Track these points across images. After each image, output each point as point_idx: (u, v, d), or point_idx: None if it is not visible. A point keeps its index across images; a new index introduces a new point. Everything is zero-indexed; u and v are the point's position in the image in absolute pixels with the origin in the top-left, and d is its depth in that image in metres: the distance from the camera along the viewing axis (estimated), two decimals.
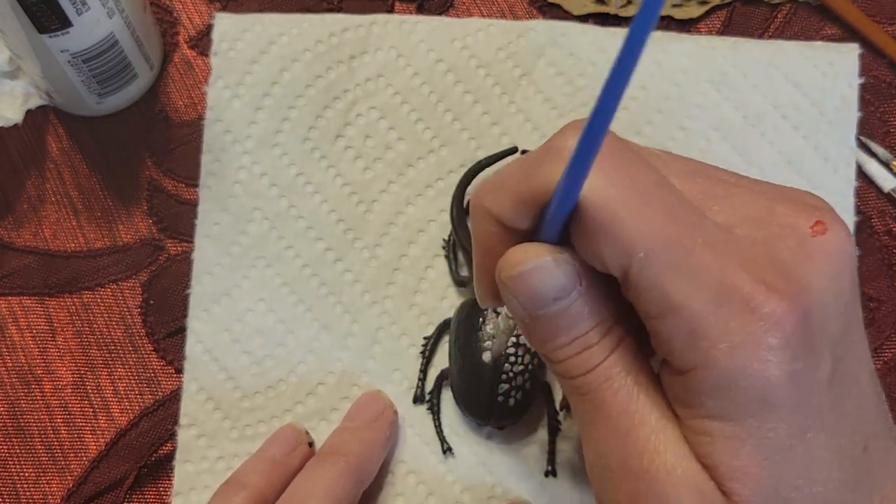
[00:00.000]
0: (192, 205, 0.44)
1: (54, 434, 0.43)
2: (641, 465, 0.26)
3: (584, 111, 0.45)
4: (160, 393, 0.43)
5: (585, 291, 0.26)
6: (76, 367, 0.43)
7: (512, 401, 0.40)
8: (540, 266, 0.26)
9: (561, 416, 0.41)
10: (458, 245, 0.43)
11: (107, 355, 0.43)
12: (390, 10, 0.47)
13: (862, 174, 0.45)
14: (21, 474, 0.42)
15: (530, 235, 0.27)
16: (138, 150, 0.45)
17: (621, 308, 0.27)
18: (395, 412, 0.42)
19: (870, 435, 0.27)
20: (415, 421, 0.42)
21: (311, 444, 0.41)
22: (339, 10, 0.47)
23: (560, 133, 0.26)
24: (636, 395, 0.27)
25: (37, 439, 0.42)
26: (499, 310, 0.40)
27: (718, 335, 0.24)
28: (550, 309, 0.26)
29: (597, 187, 0.24)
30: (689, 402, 0.26)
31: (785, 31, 0.47)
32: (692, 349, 0.25)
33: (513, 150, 0.44)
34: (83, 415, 0.43)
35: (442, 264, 0.44)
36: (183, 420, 0.42)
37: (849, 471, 0.26)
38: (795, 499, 0.25)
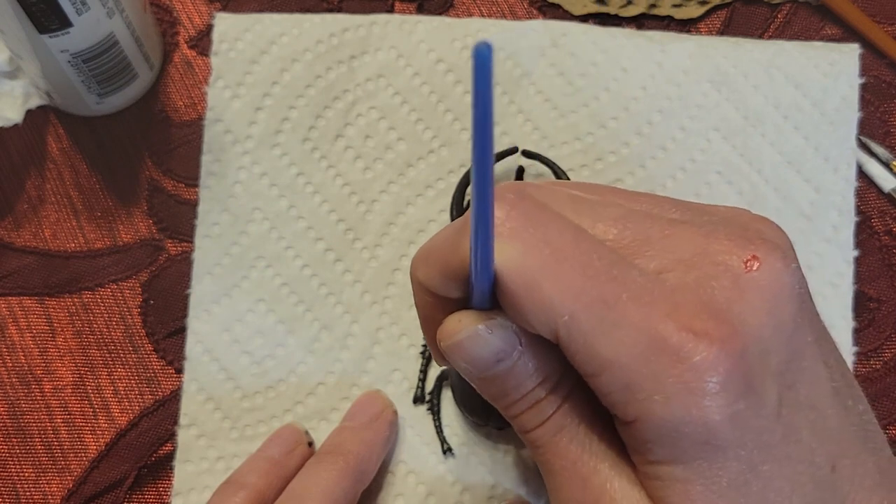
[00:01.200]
0: (192, 205, 0.44)
1: (54, 434, 0.43)
2: None
3: (585, 111, 0.45)
4: (160, 393, 0.43)
5: (527, 350, 0.27)
6: (76, 367, 0.43)
7: None
8: (473, 335, 0.26)
9: None
10: None
11: (107, 355, 0.43)
12: (390, 11, 0.47)
13: (862, 174, 0.45)
14: (21, 474, 0.42)
15: (466, 302, 0.28)
16: (138, 150, 0.45)
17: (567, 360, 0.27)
18: (395, 412, 0.42)
19: (837, 454, 0.26)
20: (415, 421, 0.42)
21: (310, 444, 0.41)
22: (339, 10, 0.47)
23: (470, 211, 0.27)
24: (588, 444, 0.27)
25: (37, 439, 0.42)
26: None
27: (652, 387, 0.24)
28: (495, 370, 0.27)
29: (509, 258, 0.25)
30: (638, 450, 0.26)
31: (785, 32, 0.47)
32: (630, 402, 0.25)
33: (513, 150, 0.44)
34: (83, 415, 0.43)
35: None
36: (183, 420, 0.42)
37: (812, 495, 0.26)
38: None
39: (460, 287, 0.27)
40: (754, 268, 0.26)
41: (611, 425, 0.27)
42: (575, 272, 0.25)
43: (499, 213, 0.25)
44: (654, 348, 0.24)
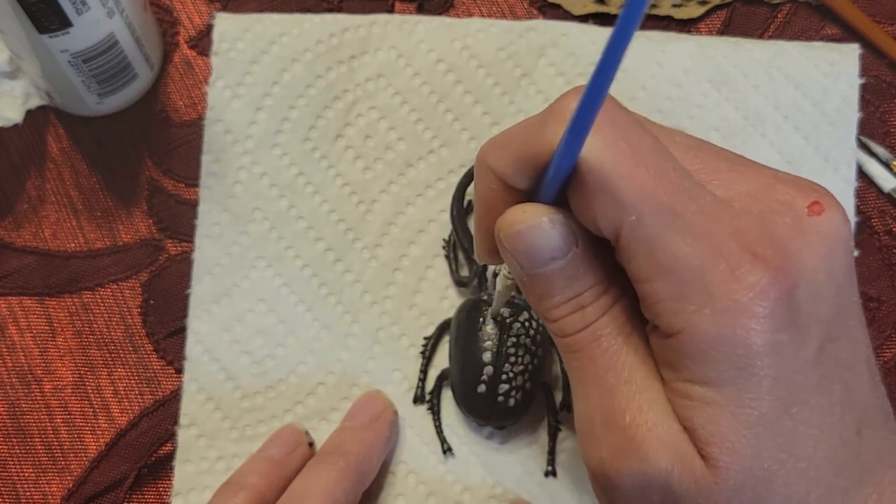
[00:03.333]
0: (193, 205, 0.44)
1: (54, 434, 0.43)
2: (624, 421, 0.26)
3: None
4: (160, 393, 0.43)
5: (582, 253, 0.27)
6: (76, 367, 0.43)
7: (512, 401, 0.40)
8: (536, 226, 0.27)
9: (560, 416, 0.41)
10: (458, 245, 0.43)
11: (107, 355, 0.43)
12: (390, 11, 0.47)
13: (862, 174, 0.45)
14: (21, 474, 0.42)
15: (531, 196, 0.28)
16: (138, 150, 0.45)
17: (618, 271, 0.27)
18: (395, 412, 0.42)
19: (863, 421, 0.27)
20: (415, 421, 0.42)
21: (311, 445, 0.41)
22: (339, 10, 0.47)
23: (563, 95, 0.27)
24: (624, 355, 0.27)
25: (37, 439, 0.42)
26: (498, 269, 0.40)
27: (703, 300, 0.25)
28: (547, 268, 0.27)
29: (592, 149, 0.25)
30: (673, 365, 0.26)
31: (785, 32, 0.47)
32: (677, 313, 0.25)
33: None
34: (83, 415, 0.43)
35: (442, 264, 0.44)
36: (183, 420, 0.42)
37: (837, 451, 0.26)
38: (778, 472, 0.25)
39: (532, 177, 0.27)
40: (818, 213, 0.26)
41: (646, 342, 0.27)
42: (650, 176, 0.25)
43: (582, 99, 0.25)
44: (713, 263, 0.25)
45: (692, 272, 0.25)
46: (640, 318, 0.28)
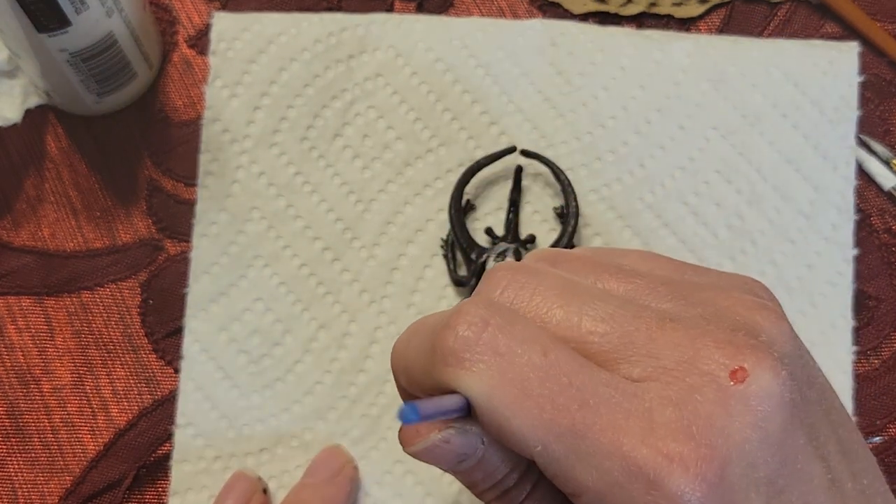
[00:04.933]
0: (192, 204, 0.44)
1: (53, 434, 0.43)
2: None
3: (583, 110, 0.45)
4: (159, 393, 0.43)
5: (490, 446, 0.27)
6: (75, 367, 0.43)
7: None
8: (431, 445, 0.26)
9: None
10: (456, 245, 0.43)
11: (105, 355, 0.43)
12: (390, 10, 0.47)
13: (862, 172, 0.45)
14: (19, 474, 0.42)
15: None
16: (137, 149, 0.45)
17: None
18: (355, 468, 0.42)
19: None
20: None
21: (265, 491, 0.41)
22: (338, 9, 0.47)
23: (451, 328, 0.26)
24: None
25: (35, 439, 0.42)
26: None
27: None
28: (459, 468, 0.27)
29: (478, 393, 0.25)
30: None
31: (785, 30, 0.47)
32: None
33: (511, 150, 0.44)
34: (82, 415, 0.43)
35: (440, 264, 0.44)
36: (180, 420, 0.42)
37: None
38: None
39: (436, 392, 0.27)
40: (741, 380, 0.25)
41: None
42: (545, 404, 0.24)
43: (467, 332, 0.25)
44: (628, 475, 0.24)
45: (610, 489, 0.24)
46: None
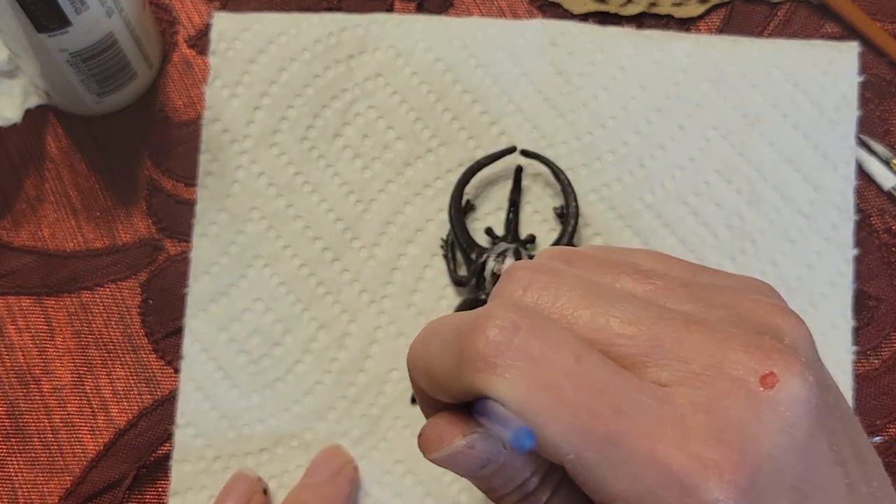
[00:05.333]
0: (192, 205, 0.44)
1: (53, 434, 0.43)
2: None
3: (583, 110, 0.45)
4: (159, 393, 0.43)
5: (512, 451, 0.26)
6: (75, 367, 0.43)
7: None
8: (454, 451, 0.26)
9: None
10: (456, 245, 0.43)
11: (105, 355, 0.43)
12: (390, 10, 0.47)
13: (862, 172, 0.45)
14: (19, 474, 0.42)
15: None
16: (137, 149, 0.45)
17: None
18: (355, 468, 0.41)
19: None
20: (412, 421, 0.42)
21: (265, 492, 0.41)
22: (338, 9, 0.47)
23: (481, 332, 0.25)
24: None
25: (35, 439, 0.42)
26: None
27: None
28: (481, 473, 0.26)
29: (510, 399, 0.24)
30: None
31: (785, 30, 0.47)
32: None
33: (511, 150, 0.44)
34: (82, 415, 0.43)
35: (440, 264, 0.44)
36: (180, 420, 0.42)
37: None
38: None
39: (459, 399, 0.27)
40: (771, 386, 0.25)
41: None
42: (578, 412, 0.24)
43: (498, 337, 0.24)
44: (663, 482, 0.24)
45: (643, 496, 0.24)
46: None
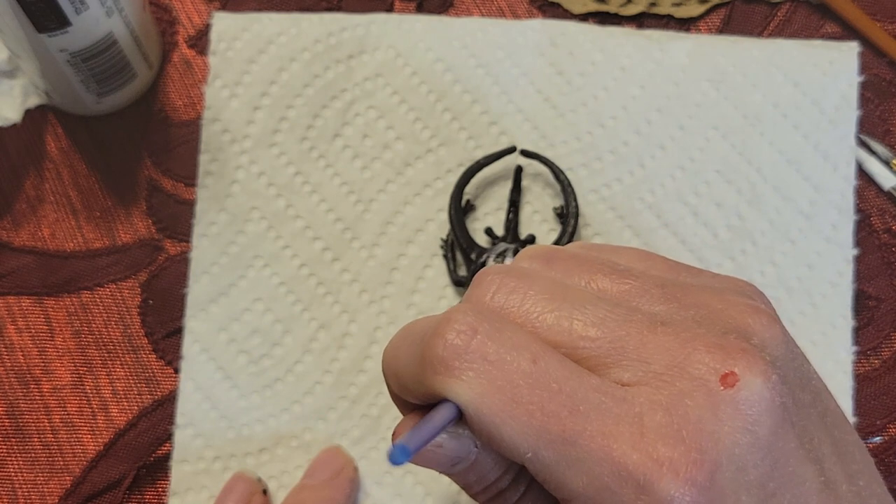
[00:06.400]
0: (192, 205, 0.44)
1: (52, 434, 0.43)
2: None
3: (583, 110, 0.45)
4: (159, 393, 0.43)
5: (483, 449, 0.26)
6: (75, 367, 0.43)
7: None
8: (426, 449, 0.26)
9: None
10: (456, 245, 0.43)
11: (105, 355, 0.43)
12: (390, 10, 0.47)
13: (862, 172, 0.45)
14: (19, 474, 0.42)
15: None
16: (137, 149, 0.45)
17: None
18: (356, 469, 0.41)
19: None
20: None
21: (265, 492, 0.41)
22: (338, 9, 0.47)
23: (440, 336, 0.26)
24: None
25: (35, 439, 0.42)
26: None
27: None
28: (454, 470, 0.27)
29: (467, 401, 0.25)
30: None
31: (785, 30, 0.47)
32: None
33: (511, 150, 0.44)
34: (81, 415, 0.43)
35: (440, 264, 0.44)
36: (179, 420, 0.42)
37: None
38: None
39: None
40: (731, 385, 0.25)
41: None
42: (535, 411, 0.25)
43: (456, 340, 0.25)
44: (618, 480, 0.24)
45: (600, 493, 0.24)
46: None
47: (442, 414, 0.25)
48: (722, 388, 0.25)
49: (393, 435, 0.28)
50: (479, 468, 0.27)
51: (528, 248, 0.30)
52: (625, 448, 0.24)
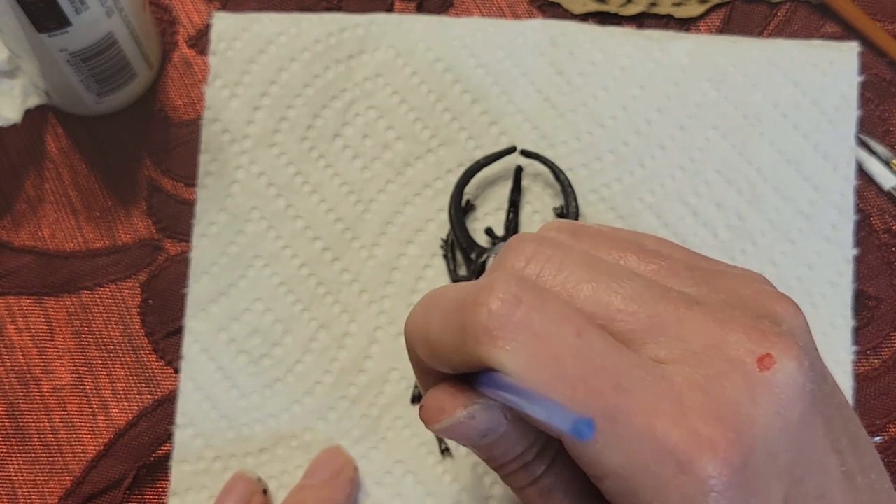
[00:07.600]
0: (192, 205, 0.44)
1: (52, 434, 0.43)
2: None
3: (583, 110, 0.45)
4: (159, 393, 0.43)
5: (513, 422, 0.26)
6: (75, 367, 0.43)
7: None
8: (456, 422, 0.26)
9: None
10: (456, 245, 0.43)
11: (105, 355, 0.43)
12: (390, 10, 0.47)
13: (862, 172, 0.45)
14: (19, 474, 0.42)
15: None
16: (137, 149, 0.45)
17: None
18: (356, 468, 0.41)
19: None
20: (412, 421, 0.42)
21: (265, 492, 0.41)
22: (338, 9, 0.47)
23: (483, 304, 0.25)
24: (578, 502, 0.27)
25: (35, 439, 0.42)
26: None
27: (654, 496, 0.24)
28: (482, 443, 0.27)
29: (511, 370, 0.24)
30: None
31: (785, 30, 0.47)
32: None
33: (511, 150, 0.44)
34: (81, 415, 0.43)
35: (440, 264, 0.44)
36: (179, 420, 0.42)
37: None
38: None
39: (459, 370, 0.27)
40: (768, 367, 0.25)
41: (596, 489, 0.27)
42: (578, 386, 0.24)
43: (500, 309, 0.25)
44: (659, 457, 0.24)
45: (639, 471, 0.24)
46: None
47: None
48: (758, 370, 0.25)
49: (421, 407, 0.27)
50: (506, 440, 0.27)
51: (553, 221, 0.29)
52: (667, 426, 0.24)
